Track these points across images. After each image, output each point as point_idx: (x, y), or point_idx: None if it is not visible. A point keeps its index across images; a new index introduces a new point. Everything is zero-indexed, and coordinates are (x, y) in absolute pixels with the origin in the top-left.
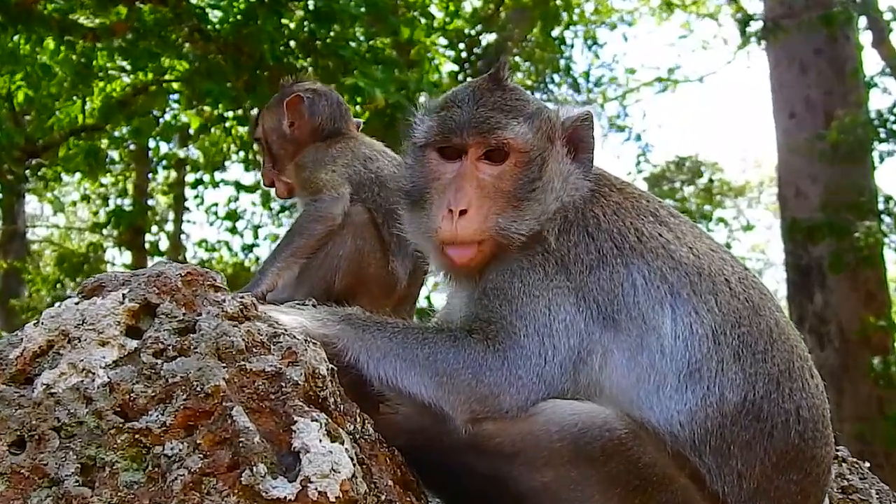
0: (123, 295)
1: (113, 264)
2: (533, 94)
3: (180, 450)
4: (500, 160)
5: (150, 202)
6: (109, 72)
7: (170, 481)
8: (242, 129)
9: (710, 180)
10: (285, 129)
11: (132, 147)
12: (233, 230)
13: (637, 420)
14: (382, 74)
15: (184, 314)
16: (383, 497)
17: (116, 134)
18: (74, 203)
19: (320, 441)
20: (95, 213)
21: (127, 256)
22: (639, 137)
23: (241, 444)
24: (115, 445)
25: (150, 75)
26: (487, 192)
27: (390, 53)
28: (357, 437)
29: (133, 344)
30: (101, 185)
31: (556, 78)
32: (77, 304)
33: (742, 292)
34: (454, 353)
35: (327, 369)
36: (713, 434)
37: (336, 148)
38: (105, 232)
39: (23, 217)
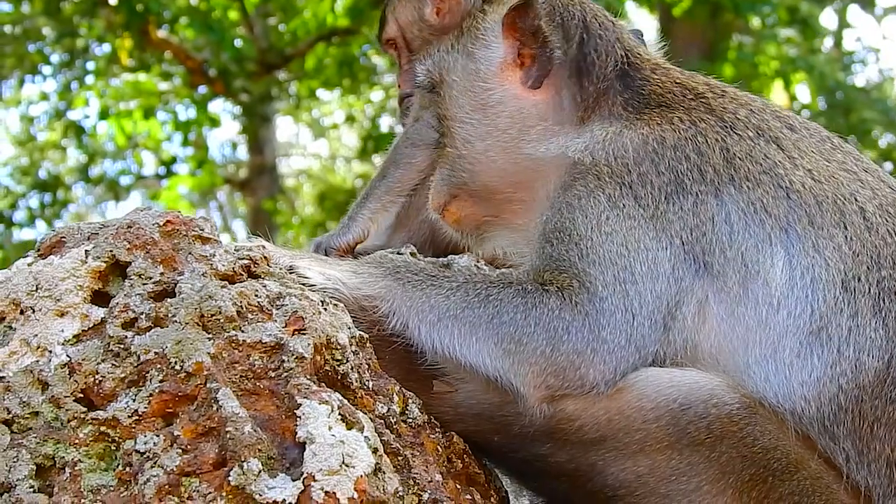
0: (87, 252)
1: None
2: None
3: (155, 444)
4: None
5: None
6: None
7: (142, 483)
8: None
9: None
10: (430, 18)
11: None
12: None
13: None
14: None
15: (161, 274)
16: (426, 496)
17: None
18: (336, 126)
19: (329, 429)
20: (364, 138)
21: None
22: None
23: (229, 436)
24: (78, 441)
25: None
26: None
27: None
28: (392, 421)
29: (99, 313)
30: (370, 101)
31: None
32: (31, 265)
33: (883, 224)
34: (524, 312)
35: (350, 337)
36: (848, 411)
37: None
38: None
39: (272, 146)
